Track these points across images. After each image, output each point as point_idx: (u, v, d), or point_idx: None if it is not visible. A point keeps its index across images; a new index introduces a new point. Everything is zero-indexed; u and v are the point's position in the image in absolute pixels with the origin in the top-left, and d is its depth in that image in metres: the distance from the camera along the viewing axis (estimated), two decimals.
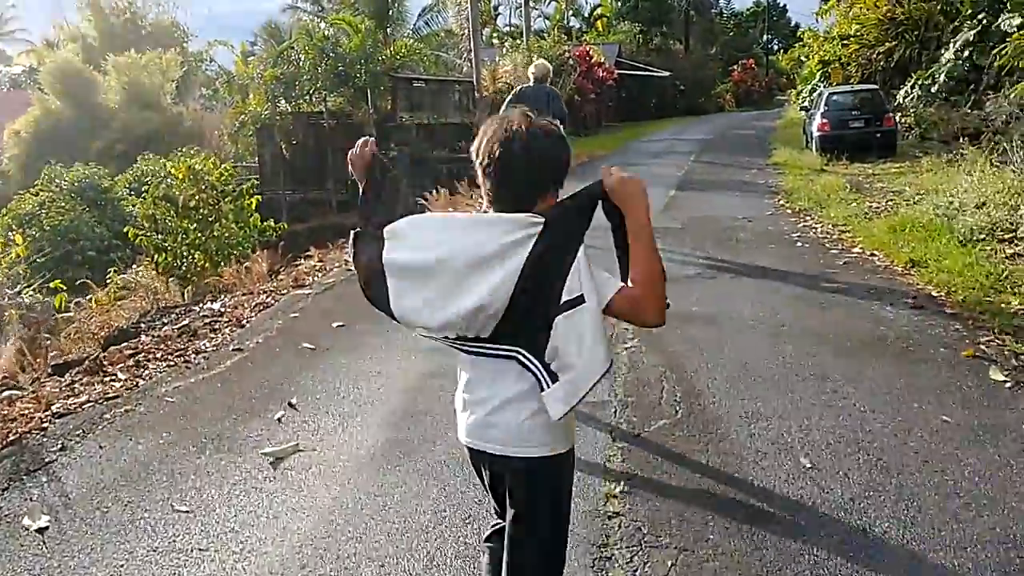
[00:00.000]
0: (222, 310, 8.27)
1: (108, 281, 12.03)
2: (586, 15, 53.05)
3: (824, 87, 27.83)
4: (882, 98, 20.82)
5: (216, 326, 7.61)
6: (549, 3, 53.45)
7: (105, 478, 4.52)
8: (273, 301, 8.34)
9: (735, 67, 50.15)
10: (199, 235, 13.20)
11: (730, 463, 4.39)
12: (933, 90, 23.15)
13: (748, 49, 63.91)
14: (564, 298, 2.09)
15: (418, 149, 25.58)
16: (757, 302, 7.55)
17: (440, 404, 5.39)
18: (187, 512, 4.11)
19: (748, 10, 72.59)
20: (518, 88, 11.38)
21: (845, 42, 26.46)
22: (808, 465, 4.31)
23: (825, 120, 20.41)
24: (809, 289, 8.05)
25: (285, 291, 8.75)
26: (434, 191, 16.98)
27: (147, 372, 6.34)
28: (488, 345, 2.24)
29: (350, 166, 2.58)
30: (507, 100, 10.51)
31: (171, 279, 11.14)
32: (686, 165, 20.31)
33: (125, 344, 7.45)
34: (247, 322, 7.63)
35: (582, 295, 2.10)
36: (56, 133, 25.91)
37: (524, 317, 2.13)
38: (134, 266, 13.20)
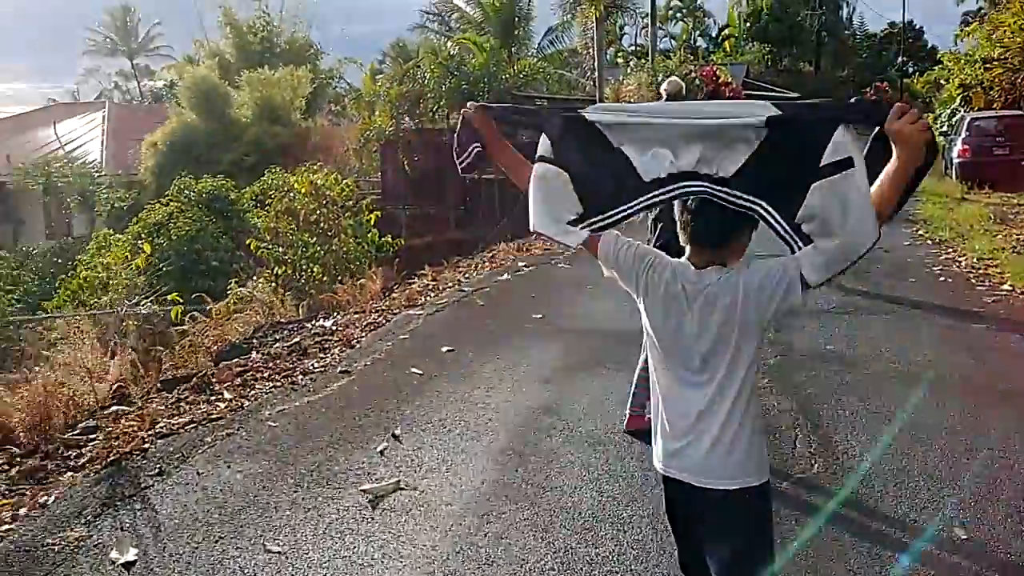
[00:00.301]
0: (333, 328, 8.10)
1: (229, 292, 12.12)
2: (713, 35, 52.09)
3: (965, 112, 26.35)
4: None
5: (326, 345, 7.43)
6: (676, 23, 52.76)
7: (199, 510, 4.30)
8: (384, 321, 8.13)
9: (868, 89, 48.21)
10: (318, 249, 13.23)
11: (873, 529, 3.86)
12: None
13: (882, 72, 61.37)
14: (825, 161, 2.04)
15: None
16: (898, 342, 6.91)
17: (551, 444, 5.02)
18: (279, 553, 3.83)
19: (882, 31, 69.86)
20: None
21: (988, 66, 24.94)
22: (964, 537, 3.76)
23: (966, 146, 19.21)
24: (955, 330, 7.34)
25: (397, 311, 8.53)
26: None
27: (253, 392, 6.16)
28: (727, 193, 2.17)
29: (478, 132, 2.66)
30: None
31: (287, 293, 11.12)
32: None
33: (236, 360, 7.34)
34: (357, 342, 7.42)
35: (850, 157, 2.02)
36: (190, 145, 26.72)
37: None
38: (254, 278, 13.29)
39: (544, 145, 2.45)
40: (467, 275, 10.43)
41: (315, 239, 13.33)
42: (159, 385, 6.68)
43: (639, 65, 31.65)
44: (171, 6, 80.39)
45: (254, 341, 8.11)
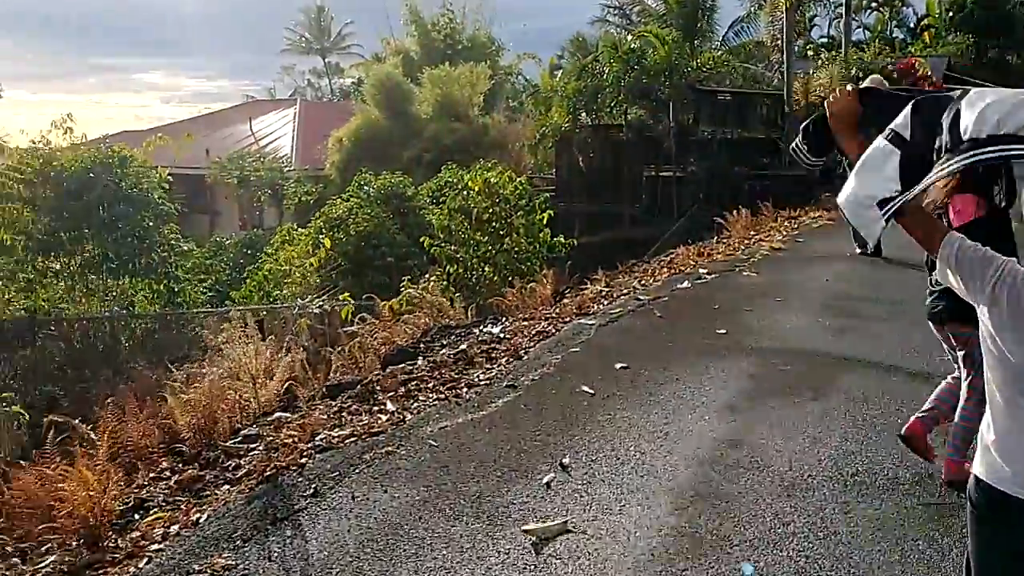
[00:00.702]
0: (501, 335, 7.73)
1: (402, 288, 12.04)
2: (911, 25, 48.78)
3: None
4: None
5: (493, 354, 7.06)
6: (870, 13, 49.80)
7: (350, 539, 3.97)
8: (554, 330, 7.67)
9: None
10: (490, 248, 12.98)
11: None
12: None
13: None
14: None
15: (719, 164, 24.33)
16: None
17: (738, 486, 4.41)
18: None
19: None
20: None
21: None
22: None
23: None
24: None
25: (568, 319, 8.06)
26: (735, 211, 15.74)
27: (416, 404, 5.84)
28: None
29: (832, 122, 2.46)
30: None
31: (456, 294, 10.89)
32: None
33: (402, 365, 7.10)
34: (524, 352, 6.99)
35: None
36: (373, 141, 27.31)
37: None
38: (426, 276, 13.20)
39: (898, 121, 2.20)
40: (643, 281, 9.84)
41: (487, 238, 13.09)
42: (324, 390, 6.50)
43: (831, 58, 29.89)
44: (362, 4, 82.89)
45: (421, 345, 7.85)
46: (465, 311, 9.72)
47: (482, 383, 6.26)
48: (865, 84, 11.54)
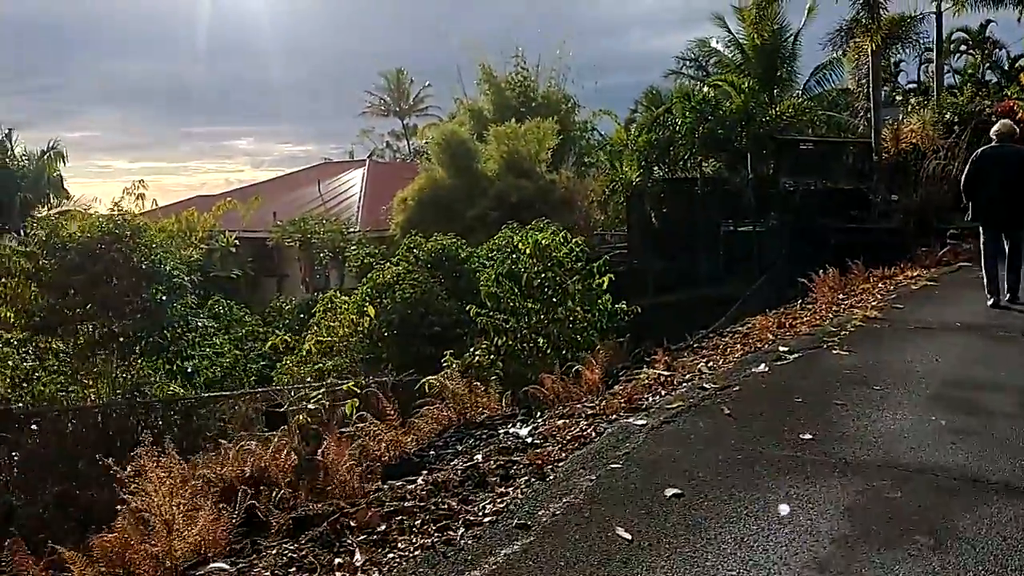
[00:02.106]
0: (529, 440, 6.17)
1: (443, 363, 10.59)
2: (1004, 67, 46.00)
3: None
4: None
5: (512, 469, 5.49)
6: (959, 57, 47.28)
7: None
8: (594, 433, 6.07)
9: None
10: (542, 317, 11.50)
11: None
12: None
13: None
14: None
15: (803, 218, 22.41)
16: None
17: None
18: None
19: None
20: (980, 150, 10.42)
21: None
22: None
23: None
24: None
25: (614, 416, 6.45)
26: (821, 270, 13.92)
27: (391, 556, 4.32)
28: None
29: None
30: (970, 164, 10.33)
31: (494, 376, 9.41)
32: None
33: (400, 482, 5.60)
34: (551, 468, 5.41)
35: None
36: (437, 200, 26.23)
37: None
38: (472, 349, 11.75)
39: None
40: (711, 363, 8.15)
41: (539, 306, 11.61)
42: (291, 524, 5.02)
43: (921, 103, 27.79)
44: (439, 67, 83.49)
45: (431, 452, 6.35)
46: (500, 399, 8.16)
47: (486, 519, 4.68)
48: (995, 129, 10.48)
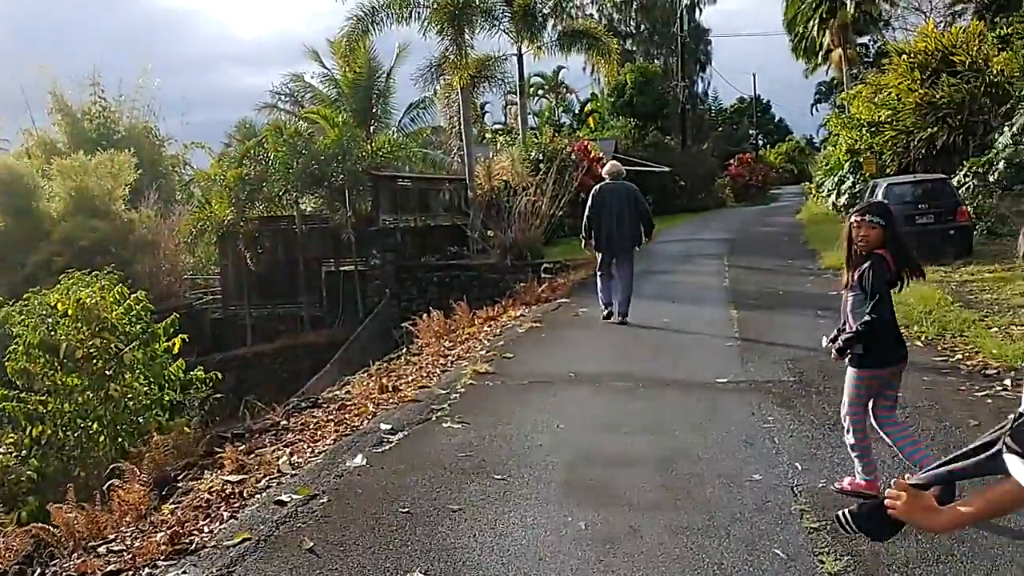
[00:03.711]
0: None
1: None
2: (576, 111, 49.89)
3: (852, 178, 24.15)
4: (952, 189, 16.88)
5: None
6: (537, 100, 50.41)
7: None
8: None
9: (731, 162, 46.75)
10: (90, 396, 8.88)
11: None
12: (991, 179, 19.40)
13: (738, 144, 60.92)
14: None
15: (403, 255, 21.42)
16: None
17: None
18: None
19: (732, 106, 70.13)
20: (598, 186, 11.10)
21: (876, 129, 22.78)
22: None
23: None
24: None
25: (147, 570, 4.33)
26: (425, 314, 12.70)
27: None
28: None
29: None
30: (590, 198, 10.96)
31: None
32: (724, 272, 16.19)
33: None
34: None
35: None
36: None
37: None
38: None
39: None
40: (295, 453, 6.27)
41: (87, 382, 8.99)
42: None
43: (508, 141, 28.41)
44: (11, 98, 72.69)
45: None
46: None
47: None
48: (607, 169, 11.54)
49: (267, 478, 5.70)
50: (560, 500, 4.95)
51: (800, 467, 5.28)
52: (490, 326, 11.78)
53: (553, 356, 9.31)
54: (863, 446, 4.74)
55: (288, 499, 5.11)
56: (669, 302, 12.56)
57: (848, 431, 4.77)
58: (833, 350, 4.75)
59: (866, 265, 4.57)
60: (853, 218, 4.68)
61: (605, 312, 11.03)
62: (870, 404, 4.74)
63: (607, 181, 11.12)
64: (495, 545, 4.35)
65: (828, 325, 10.24)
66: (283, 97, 31.34)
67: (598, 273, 11.33)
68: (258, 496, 5.35)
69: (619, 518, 4.63)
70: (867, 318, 4.50)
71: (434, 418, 6.81)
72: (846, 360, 4.74)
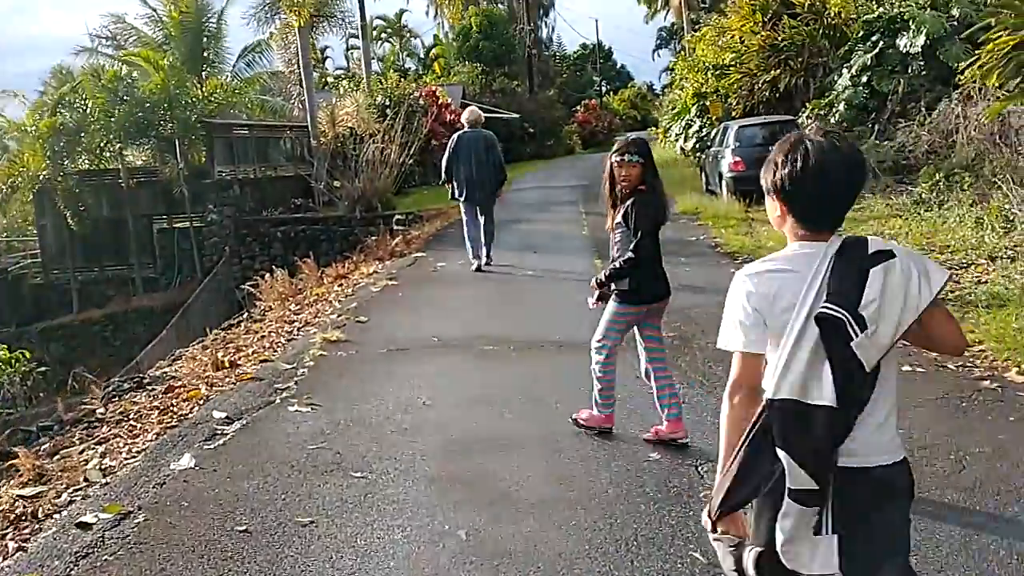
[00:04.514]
0: None
1: None
2: (421, 56, 48.29)
3: (699, 121, 24.11)
4: (799, 129, 16.92)
5: None
6: (381, 44, 48.48)
7: None
8: None
9: (578, 108, 46.49)
10: None
11: None
12: (832, 120, 19.68)
13: (583, 91, 60.86)
14: None
15: (244, 209, 19.82)
16: None
17: None
18: None
19: (575, 53, 69.94)
20: (456, 135, 10.85)
21: (722, 72, 22.73)
22: None
23: (739, 158, 16.25)
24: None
25: None
26: (268, 274, 11.53)
27: None
28: None
29: None
30: (449, 147, 10.68)
31: None
32: (582, 220, 15.68)
33: None
34: None
35: None
36: None
37: None
38: None
39: None
40: (108, 453, 5.15)
41: None
42: None
43: (353, 87, 26.88)
44: None
45: None
46: None
47: None
48: (465, 116, 11.12)
49: (70, 490, 4.59)
50: (434, 502, 4.11)
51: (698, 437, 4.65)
52: (340, 285, 10.75)
53: (413, 318, 8.41)
54: (608, 379, 4.75)
55: (94, 520, 4.05)
56: (531, 252, 11.91)
57: (596, 363, 4.72)
58: (593, 293, 4.76)
59: (628, 203, 4.55)
60: (614, 158, 4.60)
61: (475, 265, 10.74)
62: (640, 349, 4.79)
63: (465, 129, 10.80)
64: (357, 570, 3.47)
65: (693, 272, 9.86)
66: (104, 40, 28.50)
67: (464, 222, 10.97)
68: (57, 516, 4.25)
69: (506, 523, 3.83)
70: (628, 255, 4.50)
71: (278, 400, 5.81)
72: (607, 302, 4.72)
